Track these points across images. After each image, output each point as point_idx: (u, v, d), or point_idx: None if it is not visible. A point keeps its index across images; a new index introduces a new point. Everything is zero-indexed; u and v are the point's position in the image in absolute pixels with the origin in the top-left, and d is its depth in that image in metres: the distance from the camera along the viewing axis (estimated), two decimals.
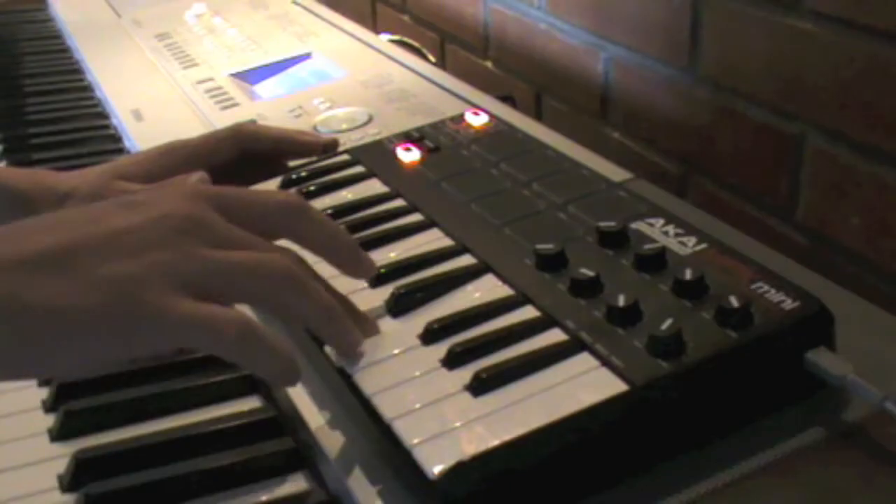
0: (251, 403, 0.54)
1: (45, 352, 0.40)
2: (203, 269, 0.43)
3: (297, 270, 0.45)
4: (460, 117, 0.73)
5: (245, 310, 0.47)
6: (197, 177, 0.63)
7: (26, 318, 0.40)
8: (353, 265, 0.50)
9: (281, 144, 0.71)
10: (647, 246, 0.51)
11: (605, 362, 0.44)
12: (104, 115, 0.97)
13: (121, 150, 0.89)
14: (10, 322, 0.39)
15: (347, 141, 0.75)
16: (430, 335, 0.47)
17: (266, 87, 0.92)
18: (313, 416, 0.49)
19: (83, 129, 0.95)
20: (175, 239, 0.43)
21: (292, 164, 0.71)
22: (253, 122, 0.79)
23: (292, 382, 0.45)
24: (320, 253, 0.49)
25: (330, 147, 0.72)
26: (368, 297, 0.51)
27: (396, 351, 0.47)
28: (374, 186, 0.65)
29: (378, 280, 0.53)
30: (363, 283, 0.52)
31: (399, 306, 0.50)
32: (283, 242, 0.48)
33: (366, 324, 0.49)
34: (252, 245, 0.45)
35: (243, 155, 0.69)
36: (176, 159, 0.67)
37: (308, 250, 0.48)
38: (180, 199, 0.45)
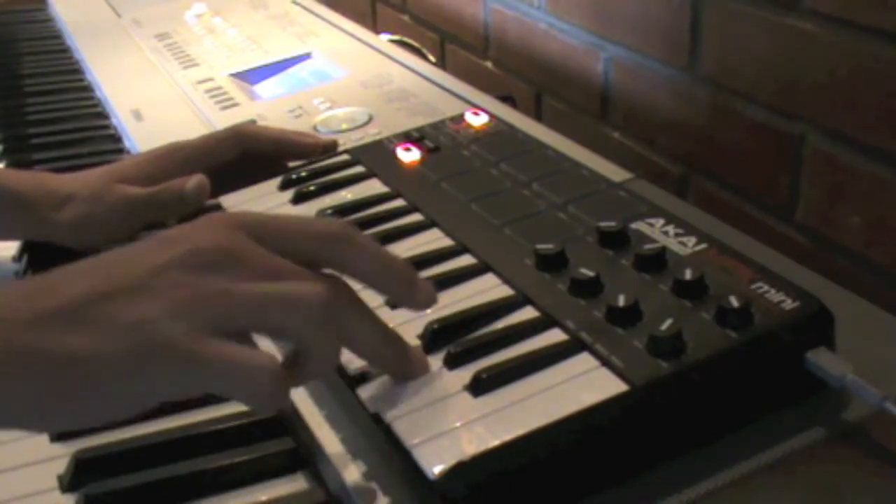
0: None
1: (73, 403, 0.39)
2: (230, 306, 0.40)
3: (334, 302, 0.42)
4: (460, 117, 0.73)
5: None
6: (195, 180, 0.63)
7: (52, 371, 0.39)
8: (408, 297, 0.46)
9: (280, 145, 0.71)
10: (647, 246, 0.51)
11: (605, 362, 0.44)
12: (104, 115, 0.97)
13: (121, 151, 0.89)
14: (36, 377, 0.39)
15: (347, 141, 0.75)
16: (430, 335, 0.47)
17: (266, 87, 0.92)
18: (313, 416, 0.49)
19: (83, 129, 0.95)
20: (201, 276, 0.41)
21: (292, 164, 0.71)
22: (253, 122, 0.79)
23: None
24: (370, 284, 0.45)
25: (329, 148, 0.72)
26: (368, 297, 0.51)
27: None
28: (374, 186, 0.65)
29: None
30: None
31: (399, 306, 0.50)
32: None
33: (411, 355, 0.46)
34: (289, 274, 0.42)
35: (243, 156, 0.69)
36: (175, 161, 0.67)
37: (356, 281, 0.45)
38: (212, 231, 0.43)
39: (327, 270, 0.45)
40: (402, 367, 0.46)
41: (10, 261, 0.72)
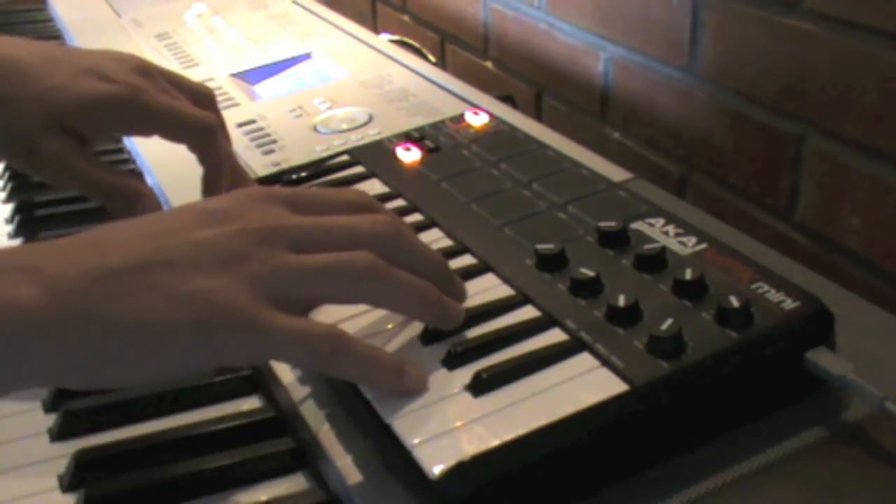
0: (251, 403, 0.54)
1: (128, 365, 0.40)
2: (290, 278, 0.42)
3: (379, 263, 0.44)
4: (460, 117, 0.73)
5: None
6: (151, 200, 0.59)
7: (111, 332, 0.39)
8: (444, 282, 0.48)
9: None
10: (647, 246, 0.51)
11: (606, 362, 0.44)
12: None
13: (120, 150, 0.89)
14: (93, 336, 0.39)
15: (347, 141, 0.75)
16: (431, 336, 0.47)
17: (266, 87, 0.92)
18: (313, 416, 0.49)
19: None
20: (262, 250, 0.42)
21: (293, 164, 0.71)
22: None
23: (395, 388, 0.44)
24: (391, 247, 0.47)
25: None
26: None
27: (396, 351, 0.47)
28: (374, 186, 0.65)
29: None
30: None
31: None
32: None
33: (461, 289, 0.49)
34: (337, 235, 0.45)
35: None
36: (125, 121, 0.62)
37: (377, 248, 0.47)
38: (258, 207, 0.45)
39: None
40: (445, 309, 0.47)
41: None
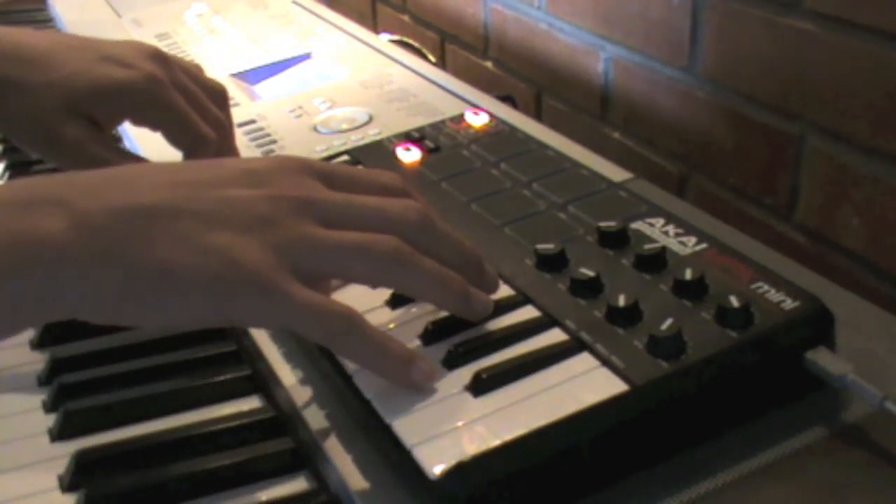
0: (251, 403, 0.54)
1: (147, 306, 0.40)
2: (314, 251, 0.43)
3: (405, 248, 0.44)
4: (460, 117, 0.73)
5: None
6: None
7: (133, 273, 0.40)
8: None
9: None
10: (647, 246, 0.51)
11: (606, 362, 0.44)
12: None
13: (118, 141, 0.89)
14: (115, 274, 0.39)
15: (347, 141, 0.75)
16: (431, 335, 0.47)
17: (266, 87, 0.92)
18: (313, 416, 0.49)
19: None
20: (291, 218, 0.43)
21: None
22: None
23: (403, 378, 0.44)
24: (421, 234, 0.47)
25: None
26: (369, 297, 0.51)
27: None
28: None
29: None
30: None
31: (399, 306, 0.50)
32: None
33: (492, 282, 0.48)
34: (367, 215, 0.45)
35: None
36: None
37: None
38: (293, 176, 0.45)
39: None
40: (469, 301, 0.46)
41: None
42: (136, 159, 0.62)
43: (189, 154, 0.60)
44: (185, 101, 0.59)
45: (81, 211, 0.40)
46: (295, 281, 0.42)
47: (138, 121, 0.65)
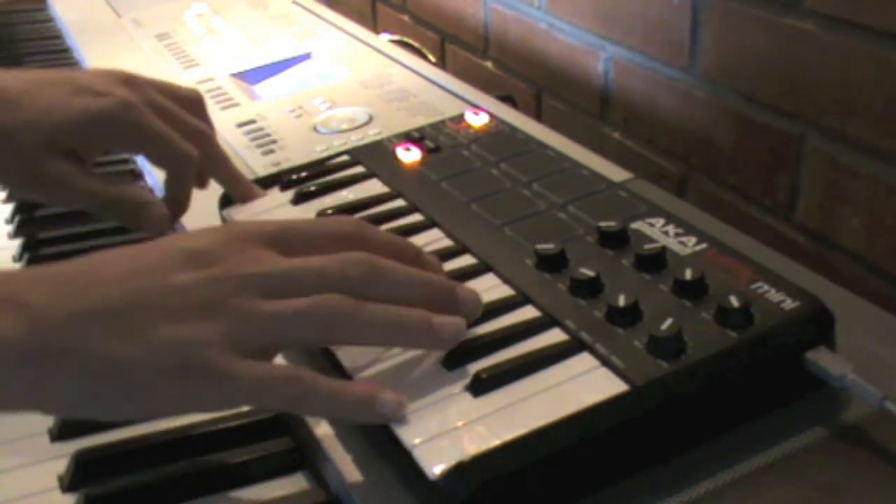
0: None
1: (105, 404, 0.42)
2: (258, 327, 0.43)
3: (347, 303, 0.44)
4: (460, 117, 0.73)
5: None
6: (163, 217, 0.59)
7: (91, 373, 0.41)
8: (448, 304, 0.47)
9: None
10: (647, 246, 0.51)
11: (606, 362, 0.44)
12: None
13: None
14: (73, 376, 0.40)
15: (347, 141, 0.75)
16: None
17: (266, 87, 0.92)
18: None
19: None
20: (234, 298, 0.43)
21: (293, 164, 0.71)
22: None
23: (369, 417, 0.43)
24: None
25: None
26: None
27: (396, 351, 0.47)
28: (374, 187, 0.65)
29: None
30: None
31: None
32: None
33: (468, 302, 0.47)
34: (308, 279, 0.44)
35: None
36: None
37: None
38: (239, 249, 0.45)
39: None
40: (425, 339, 0.46)
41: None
42: (124, 184, 0.61)
43: (173, 173, 0.60)
44: (162, 120, 0.59)
45: (36, 311, 0.41)
46: (242, 361, 0.42)
47: (119, 148, 0.65)
